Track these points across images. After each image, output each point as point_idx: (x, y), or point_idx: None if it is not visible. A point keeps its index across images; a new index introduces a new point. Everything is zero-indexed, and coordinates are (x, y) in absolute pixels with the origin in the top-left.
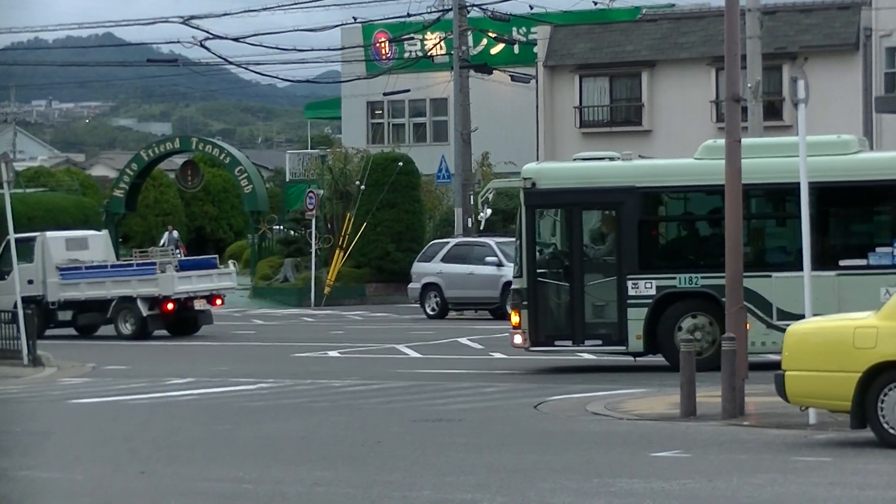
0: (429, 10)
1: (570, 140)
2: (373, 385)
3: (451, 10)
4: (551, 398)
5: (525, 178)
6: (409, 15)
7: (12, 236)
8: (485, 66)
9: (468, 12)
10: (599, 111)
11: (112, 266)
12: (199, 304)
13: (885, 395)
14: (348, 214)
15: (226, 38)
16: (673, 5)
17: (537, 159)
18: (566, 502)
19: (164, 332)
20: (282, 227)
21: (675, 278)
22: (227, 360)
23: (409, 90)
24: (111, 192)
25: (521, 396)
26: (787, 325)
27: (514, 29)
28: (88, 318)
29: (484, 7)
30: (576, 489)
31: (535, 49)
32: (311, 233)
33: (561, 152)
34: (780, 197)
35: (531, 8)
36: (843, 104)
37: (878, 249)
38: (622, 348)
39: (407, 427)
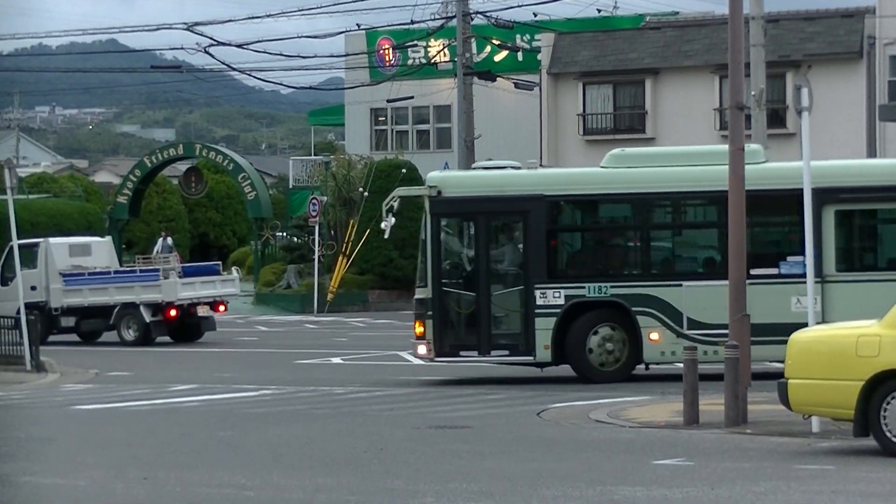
0: (433, 17)
1: (573, 147)
2: (375, 392)
3: (454, 17)
4: (554, 405)
5: (430, 186)
6: (412, 22)
7: (15, 242)
8: (488, 73)
9: (472, 19)
10: (603, 118)
11: (115, 272)
12: (202, 311)
13: (888, 403)
14: (352, 221)
15: (230, 45)
16: (677, 13)
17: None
18: None
19: (167, 339)
20: (285, 234)
21: (584, 287)
22: (231, 367)
23: (412, 97)
24: (114, 199)
25: (523, 404)
26: (698, 334)
27: (518, 36)
28: (91, 325)
29: (488, 14)
30: (578, 496)
31: (539, 56)
32: (314, 239)
33: (564, 160)
34: (691, 205)
35: (535, 15)
36: (847, 112)
37: (790, 259)
38: (529, 358)
39: (410, 434)
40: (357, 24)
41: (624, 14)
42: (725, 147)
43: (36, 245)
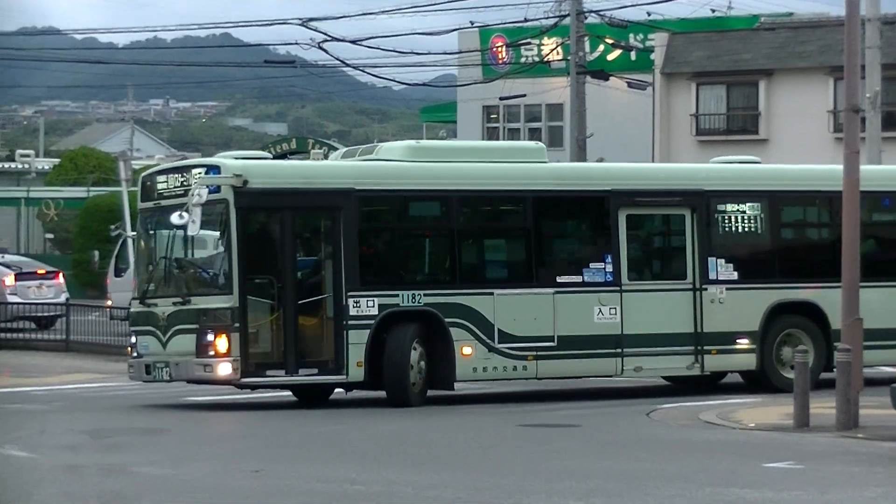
0: (546, 16)
1: (685, 148)
2: (482, 389)
3: (568, 15)
4: (663, 406)
5: (235, 175)
6: (526, 20)
7: (129, 234)
8: (601, 72)
9: (585, 18)
10: (716, 119)
11: None
12: None
13: None
14: None
15: (343, 41)
16: (791, 14)
17: None
18: None
19: None
20: None
21: (397, 296)
22: None
23: (525, 95)
24: None
25: (632, 404)
26: (508, 348)
27: (632, 35)
28: None
29: (601, 13)
30: (688, 498)
31: (652, 56)
32: None
33: (676, 160)
34: (502, 205)
35: (649, 15)
36: None
37: (592, 265)
38: (341, 377)
39: (518, 432)
40: (471, 22)
41: (738, 14)
42: (523, 143)
43: None
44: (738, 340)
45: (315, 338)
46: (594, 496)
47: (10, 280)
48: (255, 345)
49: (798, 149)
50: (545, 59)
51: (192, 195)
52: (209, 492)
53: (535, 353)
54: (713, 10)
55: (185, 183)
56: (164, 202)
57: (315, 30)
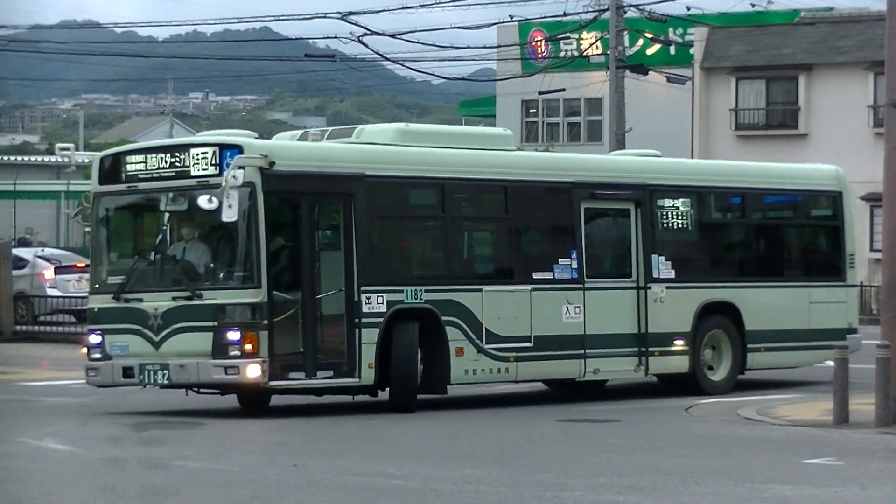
0: (585, 10)
1: (724, 142)
2: (520, 385)
3: (607, 9)
4: (702, 401)
5: (262, 155)
6: (565, 14)
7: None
8: (640, 66)
9: (625, 12)
10: (755, 114)
11: None
12: None
13: None
14: None
15: (383, 35)
16: (831, 8)
17: None
18: None
19: None
20: None
21: (402, 291)
22: None
23: (564, 89)
24: None
25: (671, 399)
26: (494, 349)
27: (671, 30)
28: None
29: (641, 7)
30: (728, 494)
31: (692, 50)
32: None
33: (716, 155)
34: (481, 194)
35: (688, 9)
36: None
37: (561, 261)
38: (354, 380)
39: (557, 427)
40: (510, 16)
41: (778, 9)
42: (489, 130)
43: None
44: (675, 342)
45: (329, 336)
46: (634, 491)
47: (49, 273)
48: (279, 344)
49: (837, 144)
50: (584, 54)
51: (227, 177)
52: (249, 485)
53: (515, 353)
54: (753, 5)
55: (176, 164)
56: (142, 185)
57: (355, 24)
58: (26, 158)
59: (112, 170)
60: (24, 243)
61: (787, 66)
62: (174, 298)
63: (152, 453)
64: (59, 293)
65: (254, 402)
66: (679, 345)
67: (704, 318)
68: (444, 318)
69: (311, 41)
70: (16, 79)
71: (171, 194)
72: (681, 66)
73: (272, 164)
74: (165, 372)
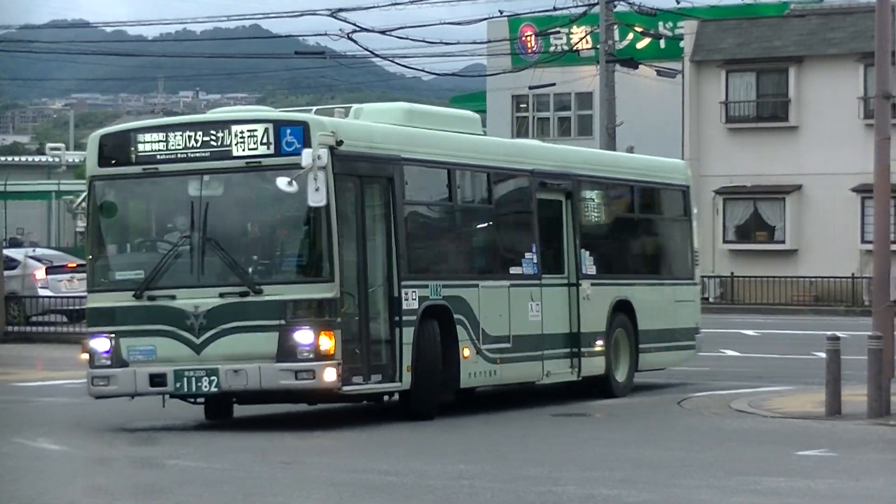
0: (575, 4)
1: (715, 135)
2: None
3: (597, 4)
4: (695, 395)
5: (331, 133)
6: (555, 9)
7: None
8: (631, 60)
9: (615, 6)
10: (746, 106)
11: None
12: None
13: None
14: None
15: (373, 31)
16: (821, 0)
17: (682, 155)
18: (710, 499)
19: None
20: None
21: (427, 286)
22: None
23: (554, 84)
24: None
25: (664, 392)
26: (487, 349)
27: (661, 23)
28: None
29: (631, 1)
30: (720, 486)
31: (682, 44)
32: None
33: (706, 147)
34: (484, 181)
35: (678, 2)
36: None
37: (527, 256)
38: (396, 385)
39: (550, 422)
40: (499, 11)
41: (768, 1)
42: (461, 112)
43: None
44: (597, 342)
45: (374, 336)
46: (627, 485)
47: (40, 274)
48: (347, 345)
49: (828, 136)
50: (574, 48)
51: (314, 158)
52: (241, 483)
53: (500, 354)
54: None
55: (212, 143)
56: (163, 167)
57: (344, 20)
58: (17, 159)
59: (118, 150)
60: (15, 244)
61: (778, 58)
62: (222, 295)
63: (145, 453)
64: (50, 293)
65: (221, 413)
66: (599, 345)
67: (613, 317)
68: (456, 315)
69: (301, 38)
70: (6, 79)
71: (206, 177)
72: (671, 60)
73: (340, 142)
74: (213, 378)
